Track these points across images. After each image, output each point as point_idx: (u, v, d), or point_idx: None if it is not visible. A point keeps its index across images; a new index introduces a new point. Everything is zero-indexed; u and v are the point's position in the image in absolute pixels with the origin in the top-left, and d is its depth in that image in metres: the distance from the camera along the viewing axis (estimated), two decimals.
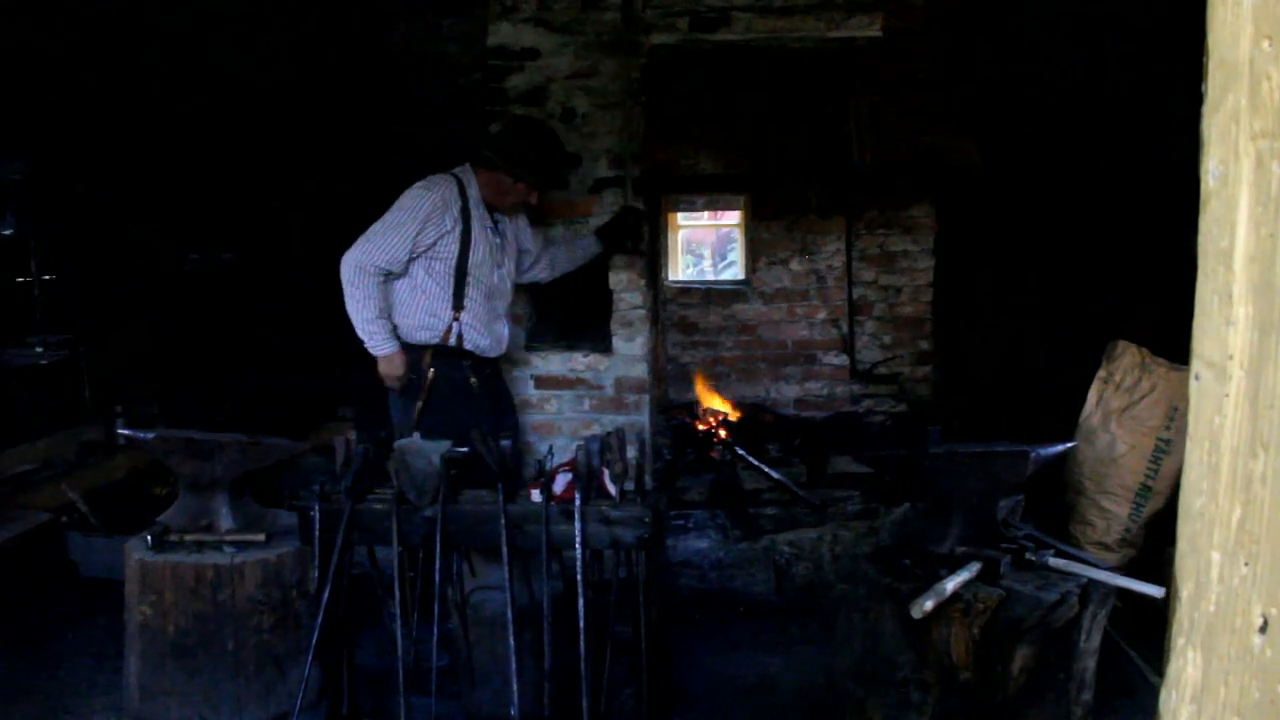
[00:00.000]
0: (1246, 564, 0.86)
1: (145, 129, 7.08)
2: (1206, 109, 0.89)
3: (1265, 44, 0.80)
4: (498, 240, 4.58)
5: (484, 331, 4.52)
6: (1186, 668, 0.95)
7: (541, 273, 5.00)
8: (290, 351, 7.42)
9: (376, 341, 4.36)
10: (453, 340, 4.46)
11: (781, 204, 6.98)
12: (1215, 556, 0.90)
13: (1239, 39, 0.83)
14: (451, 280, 4.42)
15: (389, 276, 4.36)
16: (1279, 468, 0.82)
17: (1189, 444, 0.94)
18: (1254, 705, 0.86)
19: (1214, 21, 0.86)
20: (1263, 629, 0.85)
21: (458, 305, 4.43)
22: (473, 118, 5.90)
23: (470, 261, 4.43)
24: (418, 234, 4.29)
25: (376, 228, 4.33)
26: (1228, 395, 0.87)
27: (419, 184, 4.41)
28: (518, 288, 5.00)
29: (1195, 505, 0.93)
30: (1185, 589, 0.95)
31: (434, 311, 4.43)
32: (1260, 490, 0.84)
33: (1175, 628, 0.97)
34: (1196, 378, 0.92)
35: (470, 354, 4.51)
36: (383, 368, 4.43)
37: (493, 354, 4.64)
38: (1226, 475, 0.88)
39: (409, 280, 4.41)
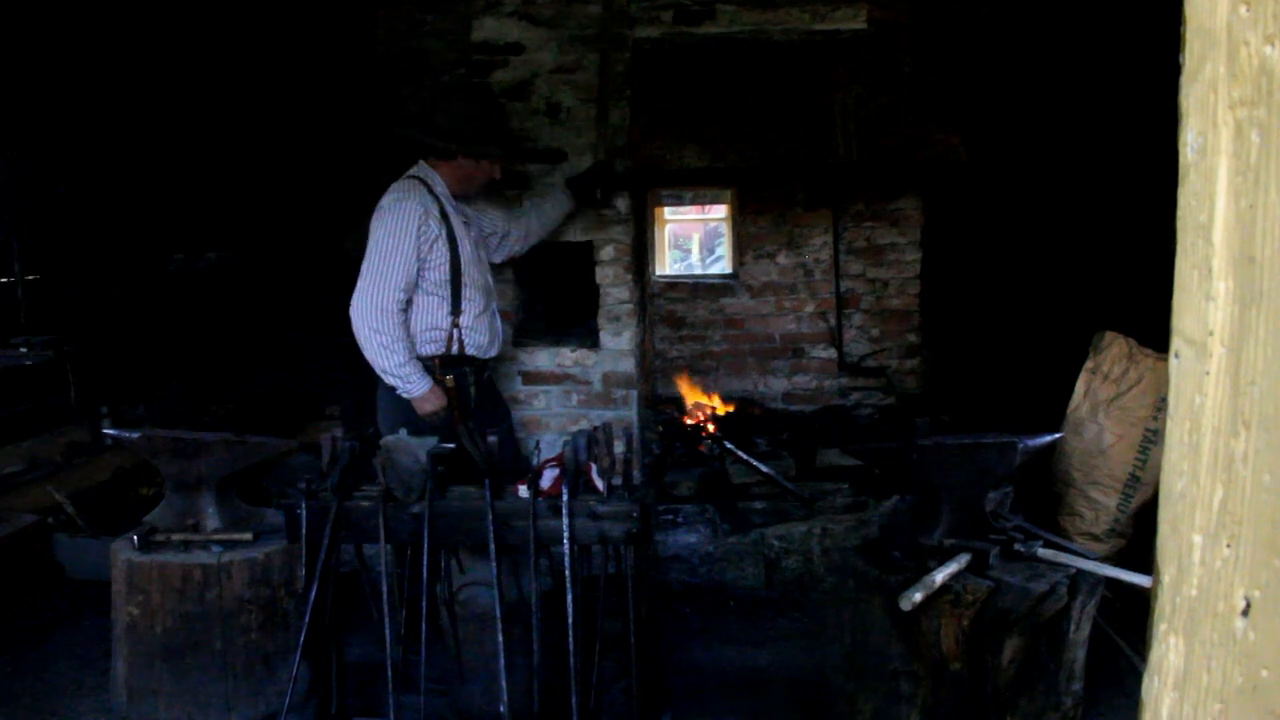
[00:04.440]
0: (1229, 546, 0.85)
1: (128, 128, 7.05)
2: (1184, 79, 0.87)
3: (1243, 9, 0.79)
4: (474, 234, 4.43)
5: (482, 330, 4.35)
6: (1168, 654, 0.93)
7: (517, 245, 4.77)
8: (276, 350, 7.39)
9: (414, 383, 4.10)
10: (455, 348, 4.28)
11: (768, 197, 6.98)
12: (1197, 539, 0.89)
13: (1216, 5, 0.81)
14: (448, 287, 4.21)
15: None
16: (1261, 446, 0.81)
17: (1169, 424, 0.92)
18: (1237, 690, 0.85)
19: None
20: (1245, 612, 0.83)
21: (456, 310, 4.24)
22: (400, 106, 5.85)
23: (462, 263, 4.23)
24: (417, 249, 4.07)
25: (375, 263, 4.06)
26: (1208, 373, 0.86)
27: (389, 198, 4.15)
28: (504, 281, 4.95)
29: (1176, 487, 0.91)
30: (1167, 573, 0.93)
31: (435, 324, 4.22)
32: (1242, 470, 0.83)
33: (1157, 613, 0.95)
34: (1176, 356, 0.91)
35: (471, 359, 4.33)
36: (427, 407, 4.14)
37: (492, 352, 4.46)
38: (1208, 455, 0.87)
39: None
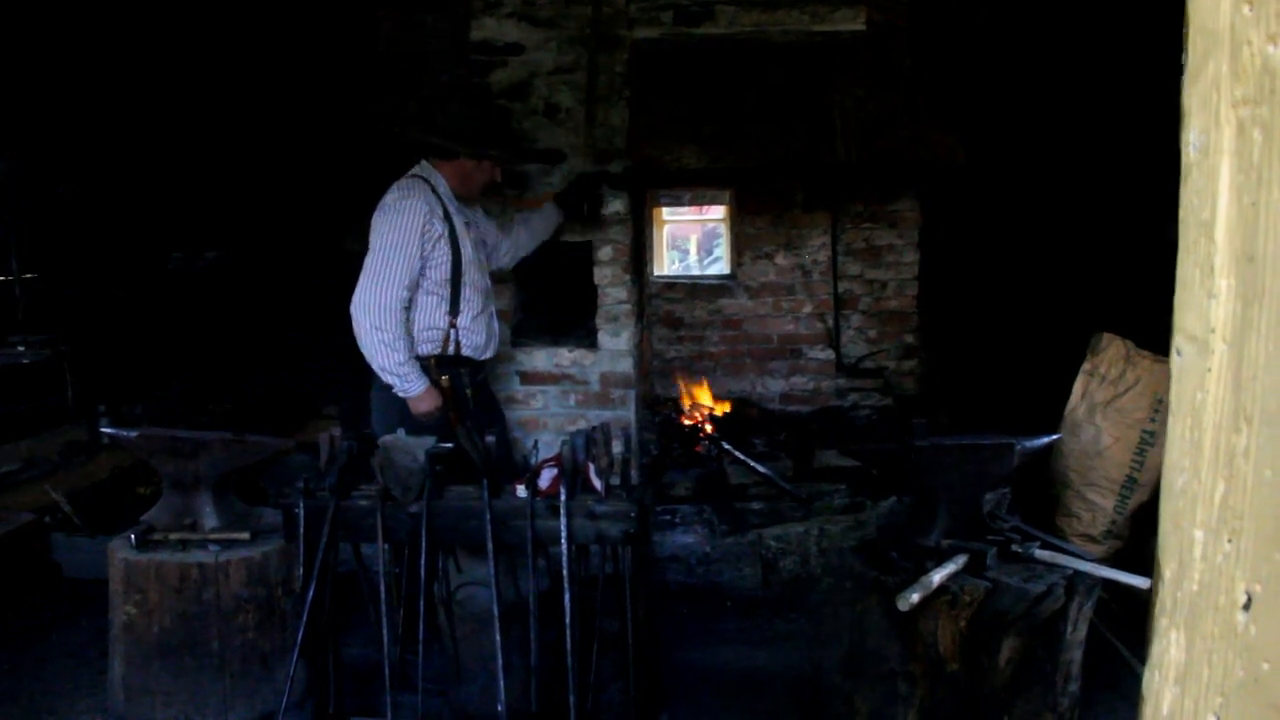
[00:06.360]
0: (1230, 541, 0.85)
1: (127, 128, 7.05)
2: (1186, 79, 0.88)
3: (1246, 9, 0.79)
4: (475, 235, 4.43)
5: (480, 331, 4.35)
6: (1169, 649, 0.94)
7: (505, 258, 4.78)
8: (276, 350, 7.39)
9: (411, 382, 4.08)
10: (451, 349, 4.27)
11: (767, 198, 6.98)
12: (1198, 534, 0.89)
13: (1219, 5, 0.82)
14: (448, 287, 4.20)
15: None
16: (1262, 441, 0.81)
17: (1170, 421, 0.93)
18: (1238, 685, 0.85)
19: None
20: (1246, 606, 0.84)
21: (454, 311, 4.24)
22: (400, 106, 5.83)
23: (463, 264, 4.22)
24: (421, 247, 4.06)
25: (378, 259, 4.04)
26: (1210, 370, 0.86)
27: (393, 195, 4.13)
28: (502, 281, 4.95)
29: (1177, 483, 0.92)
30: (1168, 569, 0.94)
31: (432, 323, 4.21)
32: (1243, 465, 0.83)
33: (1158, 608, 0.96)
34: (1178, 353, 0.91)
35: (467, 360, 4.33)
36: (422, 407, 4.13)
37: (488, 354, 4.47)
38: (1209, 451, 0.87)
39: None
